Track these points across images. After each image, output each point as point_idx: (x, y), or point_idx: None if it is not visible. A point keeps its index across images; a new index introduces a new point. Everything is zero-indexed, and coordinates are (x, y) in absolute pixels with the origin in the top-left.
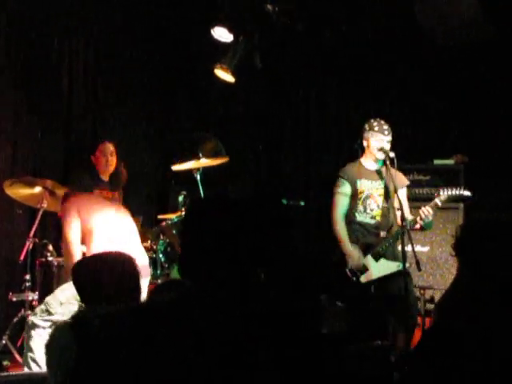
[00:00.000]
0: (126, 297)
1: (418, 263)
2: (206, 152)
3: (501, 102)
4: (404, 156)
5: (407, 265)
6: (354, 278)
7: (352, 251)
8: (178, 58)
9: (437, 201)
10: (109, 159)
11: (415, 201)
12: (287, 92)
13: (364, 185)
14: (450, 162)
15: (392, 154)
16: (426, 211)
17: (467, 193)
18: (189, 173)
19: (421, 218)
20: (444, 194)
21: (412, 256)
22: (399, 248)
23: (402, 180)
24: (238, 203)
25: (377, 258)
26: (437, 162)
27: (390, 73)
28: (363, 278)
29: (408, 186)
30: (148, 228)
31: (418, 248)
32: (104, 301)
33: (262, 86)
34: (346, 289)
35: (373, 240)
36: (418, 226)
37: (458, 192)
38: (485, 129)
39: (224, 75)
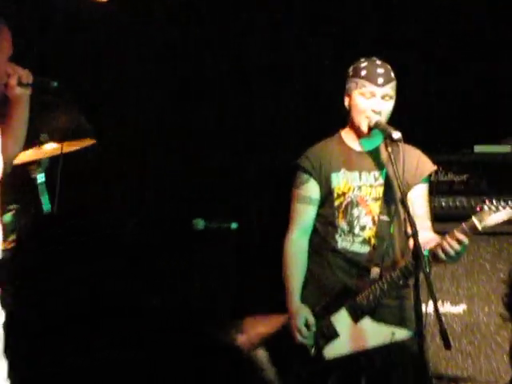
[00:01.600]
0: None
1: (444, 335)
2: (53, 131)
3: None
4: (423, 140)
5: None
6: (312, 352)
7: (298, 311)
8: None
9: (475, 221)
10: None
11: (440, 220)
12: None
13: (347, 181)
14: (504, 148)
15: (396, 134)
16: (454, 243)
17: None
18: (22, 171)
19: (444, 252)
20: (491, 208)
21: (433, 321)
22: (407, 303)
23: (420, 166)
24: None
25: (357, 316)
26: (480, 148)
27: None
28: (329, 352)
29: (429, 180)
30: None
31: (446, 307)
32: None
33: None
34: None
35: (357, 282)
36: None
37: None
38: None
39: None
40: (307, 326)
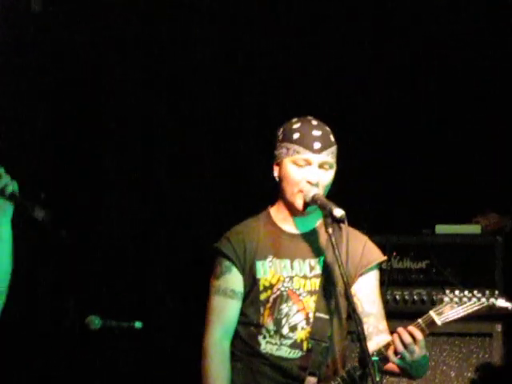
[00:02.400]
0: None
1: None
2: None
3: None
4: (372, 218)
5: None
6: None
7: None
8: None
9: (433, 316)
10: None
11: (393, 317)
12: None
13: (275, 270)
14: (472, 228)
15: (339, 212)
16: (407, 337)
17: (508, 304)
18: None
19: (395, 352)
20: (453, 299)
21: None
22: None
23: (366, 254)
24: None
25: None
26: (443, 229)
27: None
28: None
29: (381, 268)
30: None
31: None
32: None
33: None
34: None
35: None
36: (392, 367)
37: (488, 300)
38: None
39: None
40: None
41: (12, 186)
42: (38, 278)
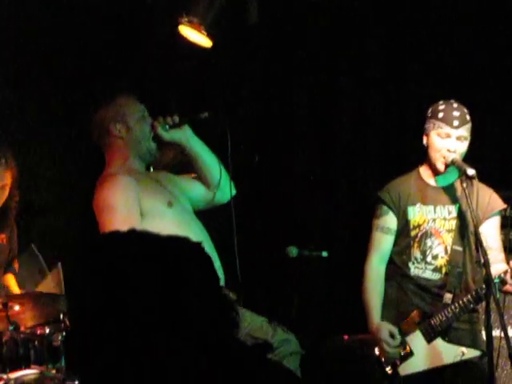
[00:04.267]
0: None
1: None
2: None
3: None
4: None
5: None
6: (388, 369)
7: (378, 328)
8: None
9: None
10: None
11: (510, 252)
12: (296, 67)
13: (422, 213)
14: None
15: (471, 171)
16: None
17: None
18: None
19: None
20: None
21: (503, 345)
22: (477, 326)
23: (492, 203)
24: None
25: (430, 337)
26: None
27: None
28: (402, 370)
29: (503, 214)
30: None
31: None
32: None
33: (257, 55)
34: None
35: (430, 306)
36: (509, 288)
37: None
38: None
39: (194, 35)
40: (392, 336)
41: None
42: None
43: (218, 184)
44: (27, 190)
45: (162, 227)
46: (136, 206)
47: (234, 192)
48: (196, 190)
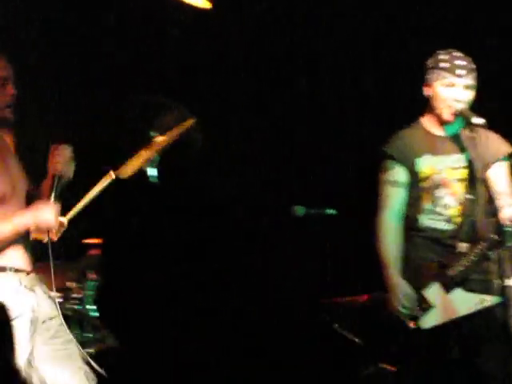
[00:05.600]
0: None
1: None
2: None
3: None
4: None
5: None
6: (411, 324)
7: (398, 283)
8: None
9: None
10: None
11: None
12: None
13: (431, 164)
14: None
15: (479, 120)
16: None
17: None
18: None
19: None
20: None
21: None
22: (493, 276)
23: (500, 147)
24: None
25: (448, 288)
26: None
27: None
28: (423, 323)
29: (509, 159)
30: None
31: None
32: None
33: (262, 20)
34: (391, 342)
35: (444, 258)
36: None
37: None
38: None
39: None
40: (407, 296)
41: None
42: None
43: None
44: None
45: None
46: None
47: None
48: None
